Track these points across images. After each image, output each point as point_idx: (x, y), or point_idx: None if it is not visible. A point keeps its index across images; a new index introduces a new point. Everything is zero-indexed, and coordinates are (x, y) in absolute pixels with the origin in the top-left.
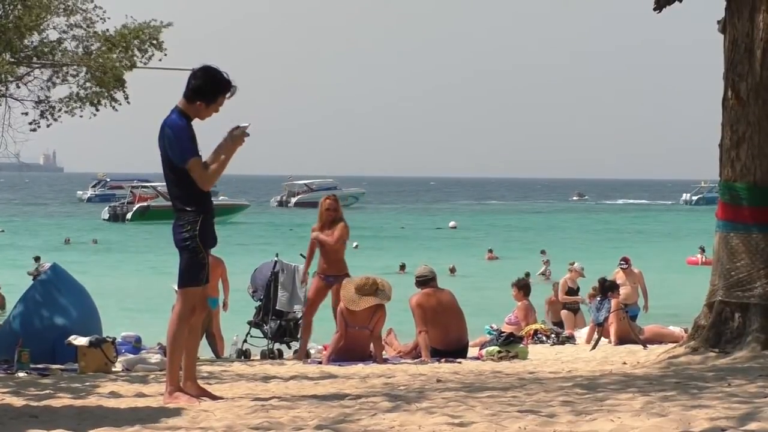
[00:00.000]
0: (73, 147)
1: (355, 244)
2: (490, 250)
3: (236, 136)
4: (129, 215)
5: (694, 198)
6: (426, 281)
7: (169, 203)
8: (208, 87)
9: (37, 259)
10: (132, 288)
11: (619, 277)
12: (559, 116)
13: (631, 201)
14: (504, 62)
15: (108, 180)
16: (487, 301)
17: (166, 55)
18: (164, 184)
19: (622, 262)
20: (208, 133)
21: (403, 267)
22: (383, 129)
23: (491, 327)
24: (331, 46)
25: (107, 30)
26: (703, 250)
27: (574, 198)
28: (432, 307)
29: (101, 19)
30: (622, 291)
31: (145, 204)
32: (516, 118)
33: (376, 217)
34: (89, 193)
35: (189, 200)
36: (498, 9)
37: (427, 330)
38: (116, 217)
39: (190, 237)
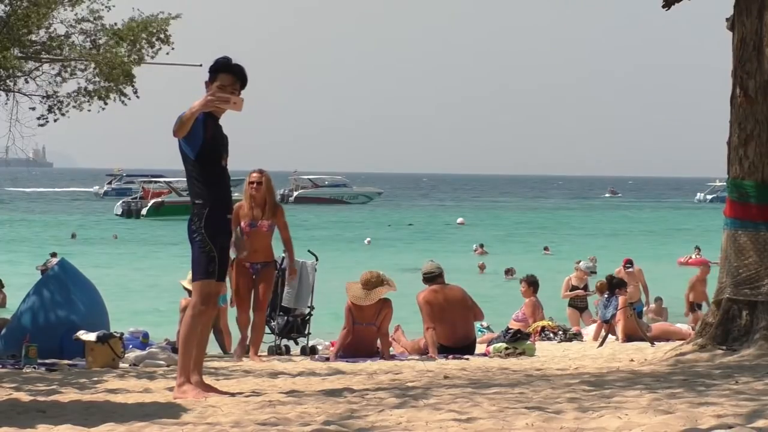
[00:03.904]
0: (59, 142)
1: (367, 239)
2: (481, 245)
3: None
4: (144, 211)
5: (709, 197)
6: (433, 278)
7: (183, 199)
8: (211, 67)
9: (53, 254)
10: (142, 283)
11: (621, 276)
12: (594, 114)
13: (660, 200)
14: (527, 61)
15: (124, 174)
16: (495, 296)
17: (173, 48)
18: (177, 179)
19: (627, 265)
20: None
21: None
22: (398, 129)
23: (481, 325)
24: (364, 49)
25: (115, 23)
26: (697, 249)
27: (607, 195)
28: (439, 304)
29: (106, 7)
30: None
31: (159, 199)
32: (555, 117)
33: (385, 214)
34: (105, 187)
35: (197, 193)
36: (514, 10)
37: (434, 327)
38: (129, 212)
39: (195, 229)
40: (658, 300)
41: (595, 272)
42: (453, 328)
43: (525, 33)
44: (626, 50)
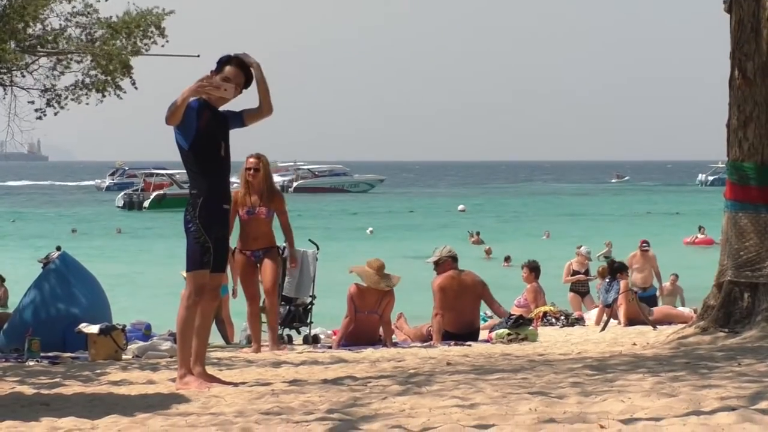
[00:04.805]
0: (56, 136)
1: (370, 229)
2: (478, 233)
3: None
4: (146, 203)
5: (710, 178)
6: (455, 259)
7: (184, 191)
8: (220, 58)
9: (58, 248)
10: (144, 275)
11: (636, 260)
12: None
13: (664, 183)
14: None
15: (126, 168)
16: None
17: (168, 41)
18: (178, 171)
19: (644, 245)
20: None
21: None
22: (406, 117)
23: (485, 314)
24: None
25: (110, 17)
26: (701, 229)
27: (613, 180)
28: (453, 290)
29: None
30: (640, 275)
31: (161, 192)
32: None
33: (387, 202)
34: (107, 181)
35: (192, 183)
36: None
37: (443, 314)
38: (131, 204)
39: (190, 219)
40: (673, 276)
41: (609, 257)
42: (460, 315)
43: (519, 32)
44: (620, 46)
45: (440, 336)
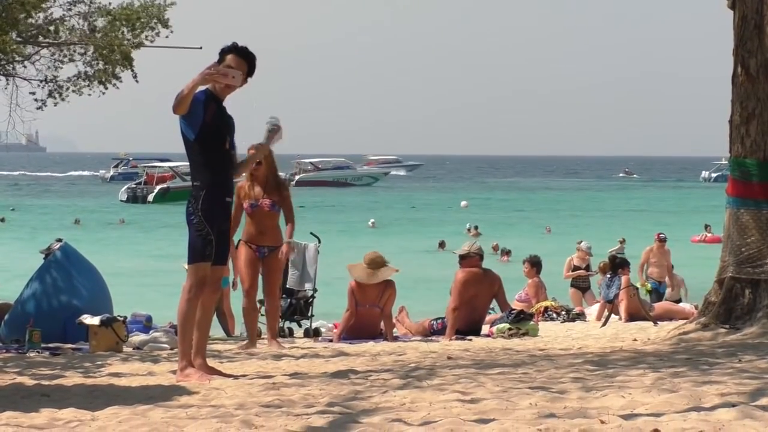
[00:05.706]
0: (57, 126)
1: (371, 221)
2: (476, 227)
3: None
4: (151, 197)
5: (714, 175)
6: (481, 257)
7: (187, 183)
8: (221, 49)
9: (59, 240)
10: (146, 267)
11: (654, 254)
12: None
13: (667, 179)
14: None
15: (130, 159)
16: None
17: (172, 32)
18: (180, 164)
19: (662, 235)
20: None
21: (442, 244)
22: (415, 110)
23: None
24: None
25: (110, 3)
26: (707, 227)
27: (621, 175)
28: (475, 286)
29: None
30: (656, 269)
31: (165, 185)
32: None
33: (390, 197)
34: (111, 172)
35: (195, 175)
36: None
37: (460, 308)
38: (135, 198)
39: (192, 211)
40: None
41: (622, 254)
42: (472, 312)
43: (516, 32)
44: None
45: (453, 332)
